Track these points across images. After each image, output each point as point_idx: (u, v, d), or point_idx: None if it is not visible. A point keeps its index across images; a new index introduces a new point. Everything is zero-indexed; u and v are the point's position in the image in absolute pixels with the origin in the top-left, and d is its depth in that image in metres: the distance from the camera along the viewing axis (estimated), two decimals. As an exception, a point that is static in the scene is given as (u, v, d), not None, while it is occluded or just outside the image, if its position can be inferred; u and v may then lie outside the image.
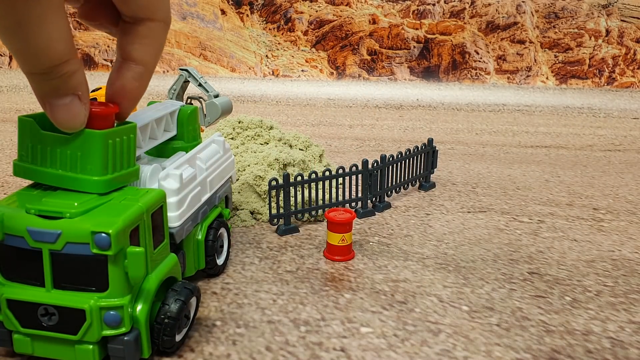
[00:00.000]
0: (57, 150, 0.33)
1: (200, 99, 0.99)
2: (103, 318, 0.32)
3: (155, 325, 0.35)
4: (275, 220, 0.59)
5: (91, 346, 0.33)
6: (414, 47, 3.34)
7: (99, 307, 0.32)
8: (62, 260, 0.32)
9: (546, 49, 3.19)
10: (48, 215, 0.32)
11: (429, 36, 3.33)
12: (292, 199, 0.61)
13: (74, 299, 0.32)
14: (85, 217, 0.32)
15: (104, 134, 0.33)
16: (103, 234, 0.31)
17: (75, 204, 0.32)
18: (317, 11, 3.56)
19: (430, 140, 0.79)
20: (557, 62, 3.15)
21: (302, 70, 3.43)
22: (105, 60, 3.29)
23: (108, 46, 3.31)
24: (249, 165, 0.65)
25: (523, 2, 3.28)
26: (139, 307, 0.33)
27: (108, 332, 0.32)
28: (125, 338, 0.33)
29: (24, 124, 0.34)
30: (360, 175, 0.66)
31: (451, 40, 3.28)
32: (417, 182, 0.79)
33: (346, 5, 3.56)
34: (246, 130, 0.72)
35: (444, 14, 3.40)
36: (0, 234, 0.32)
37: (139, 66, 0.32)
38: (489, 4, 3.32)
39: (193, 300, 0.38)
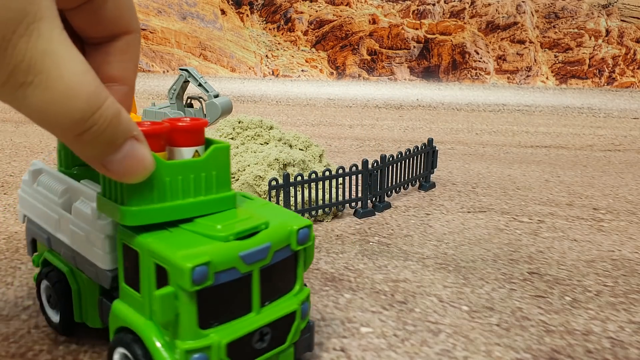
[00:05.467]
0: (190, 177, 0.29)
1: (200, 99, 0.99)
2: (302, 312, 0.32)
3: None
4: (275, 220, 0.59)
5: (291, 348, 0.32)
6: (414, 47, 3.34)
7: (300, 302, 0.32)
8: (268, 274, 0.30)
9: (546, 49, 3.19)
10: (246, 235, 0.29)
11: (429, 36, 3.34)
12: (292, 199, 0.61)
13: (282, 307, 0.31)
14: (278, 221, 0.31)
15: (229, 146, 0.31)
16: (306, 229, 0.31)
17: (252, 215, 0.30)
18: (317, 11, 3.56)
19: (430, 140, 0.79)
20: (557, 62, 3.15)
21: (302, 70, 3.43)
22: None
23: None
24: (248, 165, 0.65)
25: (523, 2, 3.28)
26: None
27: (302, 325, 0.33)
28: (310, 324, 0.34)
29: None
30: (360, 175, 0.66)
31: (451, 40, 3.29)
32: (417, 182, 0.79)
33: (346, 5, 3.56)
34: (246, 130, 0.72)
35: (444, 14, 3.40)
36: (210, 278, 0.27)
37: (122, 86, 0.28)
38: (489, 4, 3.32)
39: None
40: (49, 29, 0.20)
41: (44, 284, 0.37)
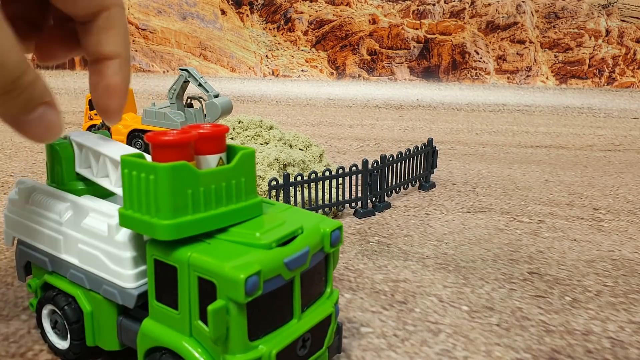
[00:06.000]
0: (222, 185, 0.28)
1: (200, 99, 0.99)
2: (335, 312, 0.32)
3: None
4: (275, 220, 0.59)
5: (326, 352, 0.32)
6: (414, 47, 3.34)
7: (334, 304, 0.32)
8: (307, 279, 0.30)
9: (546, 49, 3.19)
10: (285, 241, 0.28)
11: (429, 36, 3.34)
12: (292, 199, 0.61)
13: (321, 311, 0.31)
14: (311, 225, 0.30)
15: (254, 151, 0.31)
16: (337, 230, 0.31)
17: (285, 220, 0.30)
18: (317, 11, 3.56)
19: (430, 140, 0.79)
20: (557, 62, 3.15)
21: (302, 70, 3.43)
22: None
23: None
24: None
25: (523, 2, 3.28)
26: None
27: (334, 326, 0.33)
28: (339, 326, 0.33)
29: (177, 171, 0.27)
30: (360, 175, 0.66)
31: (451, 40, 3.29)
32: (417, 182, 0.79)
33: (346, 5, 3.56)
34: (246, 130, 0.72)
35: (444, 14, 3.40)
36: (260, 287, 0.26)
37: (114, 60, 0.30)
38: (489, 4, 3.32)
39: None
40: None
41: (47, 309, 0.35)
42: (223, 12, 3.62)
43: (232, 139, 0.71)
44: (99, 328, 0.33)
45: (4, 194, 0.73)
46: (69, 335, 0.34)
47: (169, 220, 0.26)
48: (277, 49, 3.52)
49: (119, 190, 0.32)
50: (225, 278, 0.25)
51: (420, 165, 0.78)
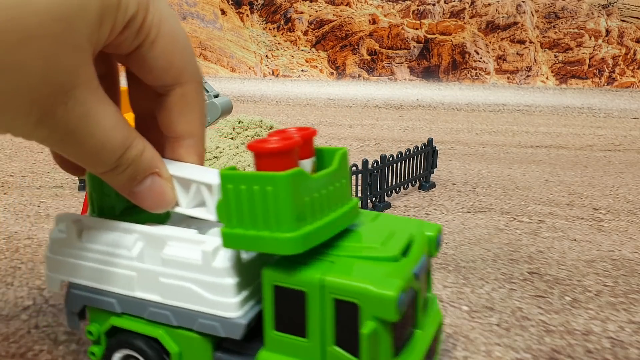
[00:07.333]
0: (330, 189, 0.27)
1: (200, 99, 0.99)
2: None
3: None
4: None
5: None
6: (414, 47, 3.34)
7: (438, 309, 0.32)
8: (422, 287, 0.29)
9: (546, 49, 3.19)
10: (404, 250, 0.28)
11: (429, 36, 3.34)
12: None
13: (433, 319, 0.31)
14: (415, 230, 0.30)
15: (347, 151, 0.29)
16: (439, 233, 0.31)
17: (394, 230, 0.29)
18: (317, 11, 3.56)
19: (430, 140, 0.79)
20: (557, 62, 3.15)
21: (302, 70, 3.43)
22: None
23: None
24: (249, 165, 0.65)
25: (523, 2, 3.28)
26: None
27: None
28: None
29: (296, 179, 0.25)
30: (360, 175, 0.66)
31: (451, 40, 3.29)
32: (417, 182, 0.79)
33: (346, 5, 3.56)
34: (246, 130, 0.72)
35: (444, 14, 3.40)
36: (405, 303, 0.25)
37: (187, 139, 0.29)
38: (489, 4, 3.32)
39: None
40: (82, 94, 0.23)
41: (120, 355, 0.31)
42: (223, 12, 3.62)
43: (232, 139, 0.71)
44: None
45: (4, 194, 0.72)
46: None
47: (294, 232, 0.24)
48: (277, 49, 3.52)
49: (193, 212, 0.29)
50: (373, 298, 0.24)
51: (420, 165, 0.78)
